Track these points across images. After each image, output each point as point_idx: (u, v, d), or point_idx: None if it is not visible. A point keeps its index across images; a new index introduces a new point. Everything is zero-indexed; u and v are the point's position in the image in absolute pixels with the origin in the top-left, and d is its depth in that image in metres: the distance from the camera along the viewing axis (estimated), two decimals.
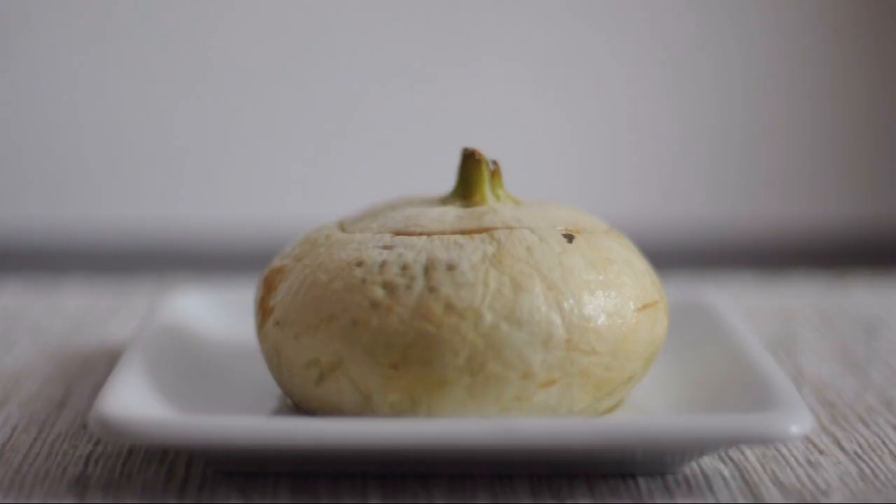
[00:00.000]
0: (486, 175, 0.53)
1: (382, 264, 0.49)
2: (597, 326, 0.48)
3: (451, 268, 0.48)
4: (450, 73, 1.67)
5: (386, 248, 0.50)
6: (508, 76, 1.67)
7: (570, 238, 0.50)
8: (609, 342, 0.48)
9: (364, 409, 0.48)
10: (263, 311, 0.51)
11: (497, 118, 1.67)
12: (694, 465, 0.49)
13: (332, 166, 1.72)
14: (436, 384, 0.47)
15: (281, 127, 1.72)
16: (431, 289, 0.48)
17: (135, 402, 0.47)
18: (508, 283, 0.48)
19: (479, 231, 0.50)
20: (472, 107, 1.67)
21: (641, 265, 0.52)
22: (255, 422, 0.46)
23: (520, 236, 0.49)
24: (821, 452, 0.51)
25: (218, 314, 0.61)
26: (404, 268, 0.49)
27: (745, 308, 0.70)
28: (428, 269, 0.48)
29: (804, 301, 0.74)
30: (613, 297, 0.49)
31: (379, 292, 0.48)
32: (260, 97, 1.71)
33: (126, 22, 1.69)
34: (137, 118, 1.71)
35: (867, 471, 0.49)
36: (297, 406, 0.51)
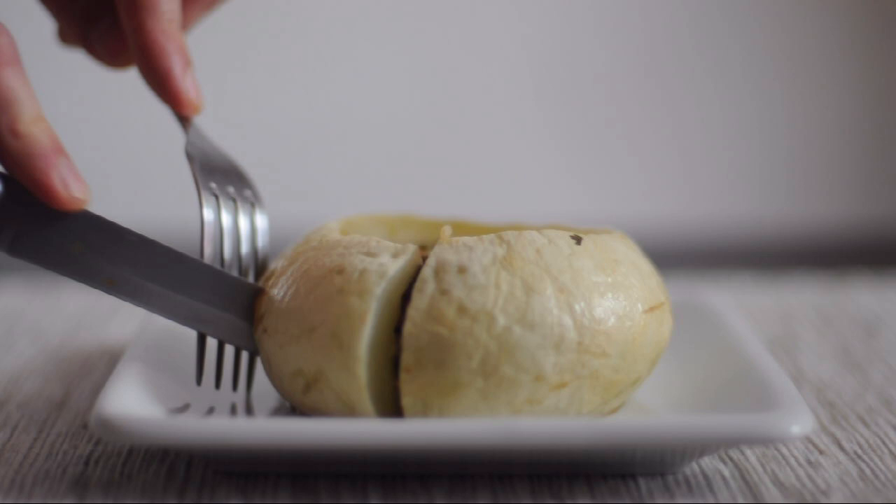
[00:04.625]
0: None
1: (362, 272, 0.48)
2: (607, 329, 0.48)
3: (462, 270, 0.48)
4: (454, 72, 1.67)
5: (369, 254, 0.49)
6: (511, 78, 1.67)
7: (578, 240, 0.49)
8: (619, 344, 0.48)
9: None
10: (257, 316, 0.51)
11: (500, 119, 1.67)
12: (694, 465, 0.49)
13: (332, 166, 1.72)
14: (449, 387, 0.47)
15: (281, 127, 1.72)
16: (443, 291, 0.47)
17: (135, 402, 0.47)
18: (520, 286, 0.47)
19: (487, 231, 0.50)
20: (475, 107, 1.67)
21: (646, 266, 0.52)
22: (254, 422, 0.46)
23: (528, 238, 0.49)
24: (821, 452, 0.50)
25: None
26: (381, 277, 0.48)
27: (745, 308, 0.70)
28: (438, 272, 0.48)
29: (804, 301, 0.74)
30: (622, 299, 0.49)
31: (356, 302, 0.48)
32: (260, 97, 1.71)
33: None
34: (138, 118, 1.71)
35: (867, 471, 0.49)
36: (293, 409, 0.51)
